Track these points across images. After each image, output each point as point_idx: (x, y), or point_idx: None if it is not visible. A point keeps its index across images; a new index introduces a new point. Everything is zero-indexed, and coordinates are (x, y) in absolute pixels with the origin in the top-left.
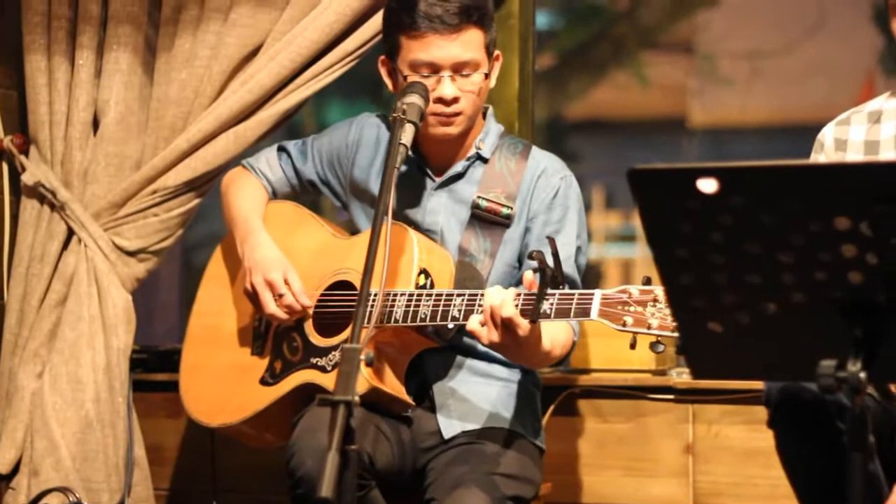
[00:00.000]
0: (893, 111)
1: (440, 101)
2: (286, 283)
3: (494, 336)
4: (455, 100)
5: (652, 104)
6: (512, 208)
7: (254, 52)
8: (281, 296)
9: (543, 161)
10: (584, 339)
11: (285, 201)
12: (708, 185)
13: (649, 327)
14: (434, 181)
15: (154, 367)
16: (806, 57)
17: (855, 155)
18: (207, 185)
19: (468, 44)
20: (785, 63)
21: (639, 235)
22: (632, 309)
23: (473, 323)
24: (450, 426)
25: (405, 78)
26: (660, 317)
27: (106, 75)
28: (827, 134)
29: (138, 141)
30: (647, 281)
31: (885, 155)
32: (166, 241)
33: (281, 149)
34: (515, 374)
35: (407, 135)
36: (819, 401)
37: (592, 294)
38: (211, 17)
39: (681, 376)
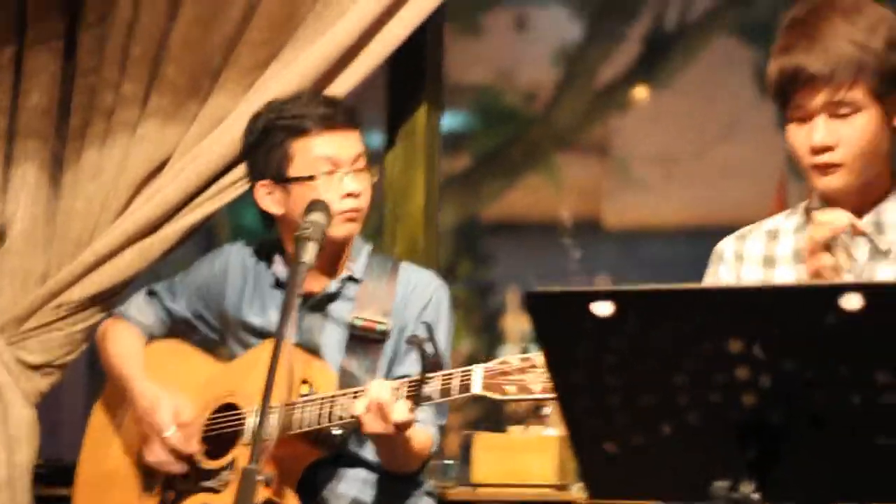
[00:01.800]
0: (790, 230)
1: (349, 196)
2: (175, 415)
3: (375, 426)
4: (359, 194)
5: (566, 206)
6: (386, 324)
7: (160, 167)
8: (165, 438)
9: (415, 275)
10: (484, 453)
11: (164, 340)
12: (603, 309)
13: (532, 392)
14: (306, 302)
15: (58, 482)
16: (718, 160)
17: (752, 268)
18: (112, 299)
19: (359, 142)
20: (697, 166)
21: None
22: (513, 378)
23: (359, 408)
24: None
25: (308, 180)
26: (541, 381)
27: (12, 189)
28: (726, 247)
29: (44, 255)
30: (525, 350)
31: (782, 270)
32: (70, 355)
33: (150, 292)
34: (410, 487)
35: (309, 254)
36: None
37: (472, 370)
38: (118, 131)
39: (582, 491)
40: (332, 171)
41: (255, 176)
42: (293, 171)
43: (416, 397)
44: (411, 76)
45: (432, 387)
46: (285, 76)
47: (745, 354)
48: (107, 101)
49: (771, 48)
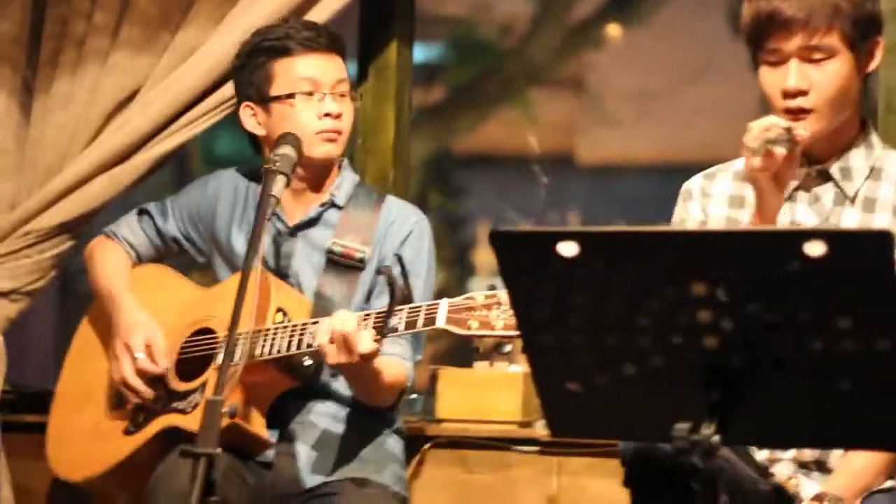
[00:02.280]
0: None
1: (327, 116)
2: (146, 345)
3: (340, 356)
4: (338, 116)
5: (539, 141)
6: (365, 252)
7: (131, 97)
8: (136, 359)
9: (397, 208)
10: (449, 388)
11: (149, 264)
12: (568, 249)
13: (493, 328)
14: (287, 227)
15: (24, 409)
16: (691, 99)
17: (719, 206)
18: (82, 227)
19: (342, 68)
20: (671, 104)
21: None
22: (477, 313)
23: (323, 338)
24: (311, 475)
25: (288, 98)
26: (504, 318)
27: None
28: (694, 184)
29: (14, 182)
30: (492, 287)
31: (748, 211)
32: (39, 282)
33: (141, 211)
34: (380, 424)
35: (278, 186)
36: (673, 462)
37: (438, 303)
38: (89, 60)
39: (546, 428)
40: (312, 92)
41: (240, 98)
42: (274, 91)
43: (383, 328)
44: (383, 11)
45: (398, 319)
46: (256, 9)
47: (709, 297)
48: (78, 31)
49: None
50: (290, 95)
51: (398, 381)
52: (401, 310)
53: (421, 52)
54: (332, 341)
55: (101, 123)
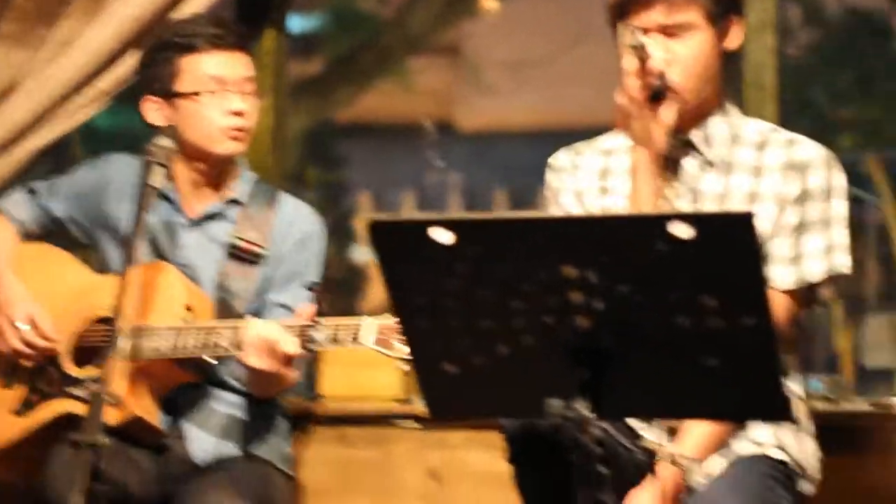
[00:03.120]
0: (624, 149)
1: (234, 113)
2: (30, 319)
3: (262, 363)
4: (244, 114)
5: (419, 110)
6: (266, 248)
7: (9, 90)
8: (18, 330)
9: (294, 206)
10: (329, 367)
11: (40, 243)
12: (443, 236)
13: None
14: (187, 220)
15: None
16: (568, 66)
17: (590, 177)
18: None
19: (248, 65)
20: (548, 71)
21: None
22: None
23: (248, 343)
24: (202, 453)
25: (194, 95)
26: None
27: None
28: (561, 158)
29: None
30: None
31: (617, 180)
32: None
33: (30, 190)
34: (273, 409)
35: (157, 177)
36: (553, 437)
37: (363, 321)
38: None
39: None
40: (218, 90)
41: (143, 91)
42: (180, 87)
43: (307, 342)
44: (258, 3)
45: (322, 333)
46: (132, 1)
47: (580, 279)
48: None
49: None
50: (196, 93)
51: (294, 378)
52: (325, 325)
53: (299, 23)
54: (257, 347)
55: None
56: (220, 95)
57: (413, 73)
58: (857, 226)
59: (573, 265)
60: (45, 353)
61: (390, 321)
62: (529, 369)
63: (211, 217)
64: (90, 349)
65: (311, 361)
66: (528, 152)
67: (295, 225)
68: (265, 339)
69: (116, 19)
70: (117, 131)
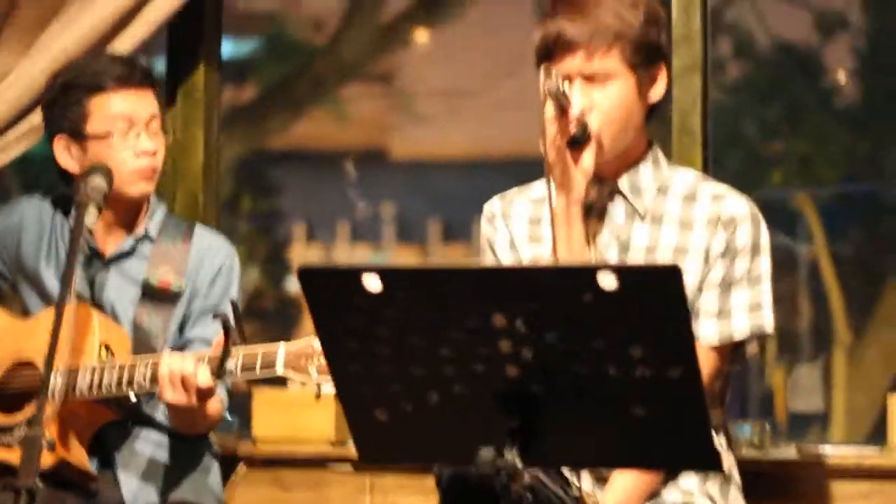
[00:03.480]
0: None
1: (144, 153)
2: None
3: (177, 396)
4: (154, 153)
5: (352, 138)
6: (180, 284)
7: None
8: None
9: (208, 239)
10: (264, 408)
11: None
12: (372, 284)
13: None
14: (101, 258)
15: None
16: (501, 95)
17: (520, 224)
18: None
19: (154, 103)
20: (481, 101)
21: None
22: (316, 360)
23: (161, 379)
24: (131, 496)
25: (105, 136)
26: None
27: None
28: (495, 207)
29: None
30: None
31: (547, 229)
32: None
33: None
34: (197, 446)
35: (90, 218)
36: (486, 485)
37: (277, 348)
38: None
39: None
40: (128, 130)
41: (52, 131)
42: (90, 128)
43: (219, 371)
44: (190, 35)
45: (234, 362)
46: (66, 35)
47: (509, 329)
48: None
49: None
50: (108, 134)
51: (217, 412)
52: (236, 354)
53: (232, 48)
54: (170, 382)
55: None
56: (130, 135)
57: (346, 102)
58: (789, 261)
59: (502, 314)
60: None
61: (303, 346)
62: (460, 417)
63: (124, 255)
64: (12, 395)
65: (244, 401)
66: (463, 182)
67: (208, 258)
68: (177, 371)
69: (49, 52)
70: (52, 157)
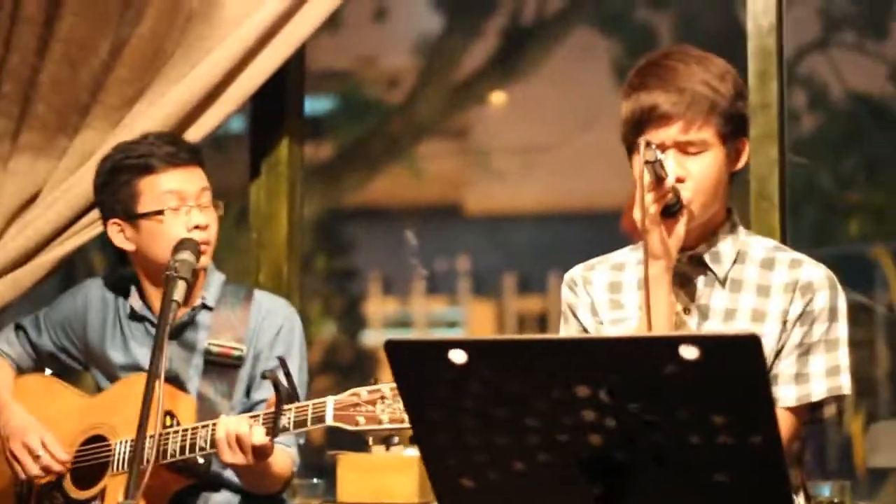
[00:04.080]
0: (634, 263)
1: (196, 228)
2: (42, 444)
3: (235, 456)
4: (206, 227)
5: (427, 194)
6: (242, 350)
7: (32, 199)
8: (38, 457)
9: (266, 302)
10: (348, 472)
11: (33, 374)
12: (457, 357)
13: (380, 422)
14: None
15: None
16: (576, 150)
17: (601, 293)
18: None
19: (203, 178)
20: (556, 156)
21: (414, 321)
22: (363, 409)
23: (218, 441)
24: None
25: (157, 214)
26: (389, 412)
27: None
28: (577, 274)
29: None
30: (374, 381)
31: (627, 296)
32: None
33: (17, 326)
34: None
35: (179, 291)
36: None
37: (325, 401)
38: None
39: None
40: (179, 206)
41: (106, 214)
42: (142, 208)
43: (273, 429)
44: (274, 109)
45: (287, 418)
46: (151, 113)
47: (592, 399)
48: None
49: (622, 90)
50: (159, 212)
51: (286, 470)
52: (288, 409)
53: (308, 106)
54: (227, 443)
55: (2, 226)
56: (181, 211)
57: (422, 159)
58: (866, 313)
59: (586, 385)
60: (57, 476)
61: (344, 396)
62: (545, 485)
63: (184, 327)
64: (85, 469)
65: (330, 465)
66: (537, 236)
67: (268, 321)
68: (232, 432)
69: (135, 130)
70: None
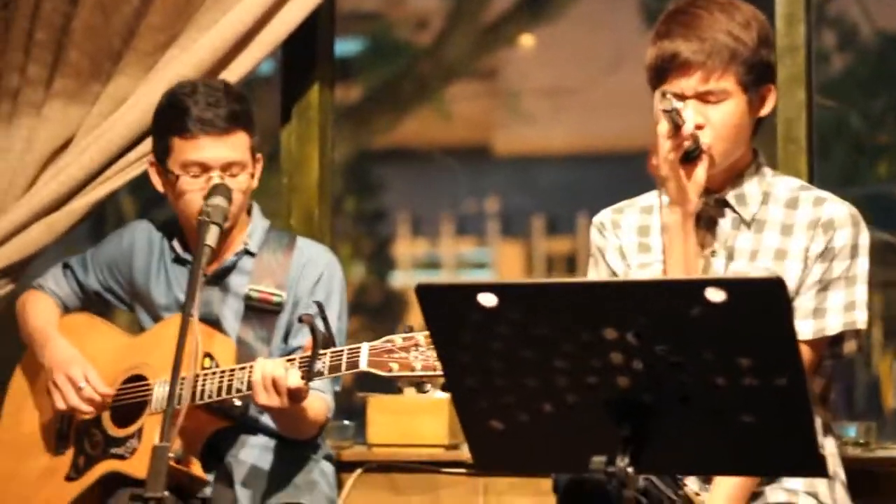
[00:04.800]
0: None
1: None
2: (86, 378)
3: (270, 399)
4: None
5: (456, 136)
6: (282, 296)
7: (65, 145)
8: (80, 389)
9: (308, 250)
10: (379, 415)
11: (78, 313)
12: (487, 300)
13: (413, 369)
14: (204, 276)
15: None
16: (604, 92)
17: (629, 236)
18: (21, 271)
19: (236, 146)
20: (585, 98)
21: (443, 263)
22: (396, 356)
23: (254, 384)
24: (248, 501)
25: (177, 177)
26: (422, 359)
27: None
28: (605, 218)
29: None
30: (410, 329)
31: (654, 238)
32: None
33: (65, 266)
34: (308, 451)
35: (212, 236)
36: (602, 490)
37: (360, 347)
38: (24, 111)
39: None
40: (199, 175)
41: (153, 149)
42: (170, 164)
43: (308, 373)
44: (304, 57)
45: (322, 363)
46: (184, 59)
47: (620, 341)
48: (12, 83)
49: (651, 37)
50: (180, 175)
51: (320, 415)
52: (324, 354)
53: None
54: (262, 385)
55: (37, 171)
56: (202, 178)
57: (451, 102)
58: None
59: (613, 327)
60: (99, 410)
61: (379, 342)
62: (573, 426)
63: (227, 271)
64: (124, 407)
65: (360, 408)
66: (565, 177)
67: (308, 268)
68: (268, 375)
69: (167, 77)
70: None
